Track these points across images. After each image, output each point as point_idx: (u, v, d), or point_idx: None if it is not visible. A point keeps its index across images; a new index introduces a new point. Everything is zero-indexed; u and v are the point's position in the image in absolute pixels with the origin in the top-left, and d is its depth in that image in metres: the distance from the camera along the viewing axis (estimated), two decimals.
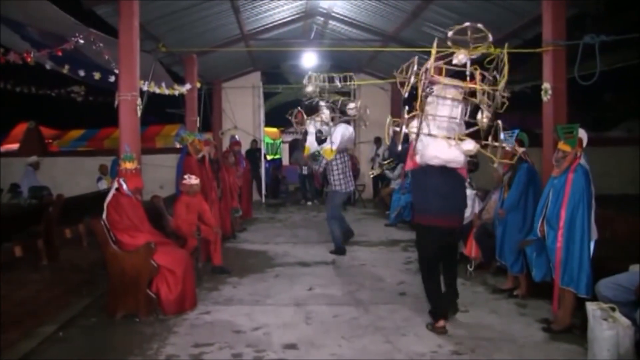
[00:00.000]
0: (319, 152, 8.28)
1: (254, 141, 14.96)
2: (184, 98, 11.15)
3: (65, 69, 7.52)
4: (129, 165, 5.55)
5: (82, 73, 7.63)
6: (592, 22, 8.23)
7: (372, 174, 13.73)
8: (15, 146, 17.27)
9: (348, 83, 8.15)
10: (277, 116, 17.76)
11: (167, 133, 18.58)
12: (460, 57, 4.44)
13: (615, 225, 5.85)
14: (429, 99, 4.55)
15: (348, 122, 8.51)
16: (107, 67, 7.40)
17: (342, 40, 12.70)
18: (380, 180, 13.77)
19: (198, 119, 11.44)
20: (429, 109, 4.56)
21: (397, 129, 4.63)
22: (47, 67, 7.31)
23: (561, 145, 4.75)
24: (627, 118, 17.82)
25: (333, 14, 11.32)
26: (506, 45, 4.51)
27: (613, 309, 3.79)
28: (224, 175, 9.21)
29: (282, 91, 16.68)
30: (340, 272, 7.12)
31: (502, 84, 4.35)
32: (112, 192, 5.48)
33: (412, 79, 4.44)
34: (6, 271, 6.54)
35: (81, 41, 6.68)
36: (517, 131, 5.67)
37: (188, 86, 10.60)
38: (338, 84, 8.08)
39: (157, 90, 8.91)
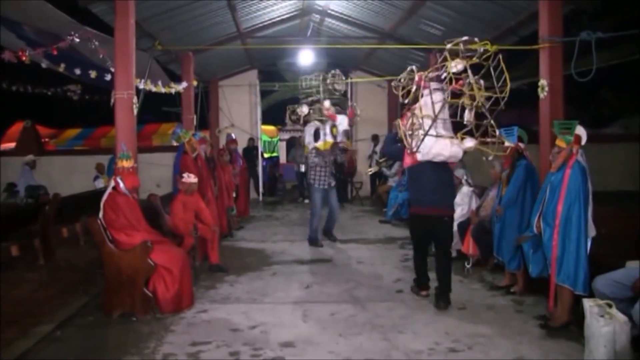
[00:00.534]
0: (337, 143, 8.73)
1: (251, 139, 14.94)
2: (180, 96, 11.13)
3: (61, 68, 7.50)
4: (125, 164, 5.54)
5: (78, 72, 7.61)
6: (589, 19, 8.24)
7: (370, 171, 13.74)
8: (11, 145, 17.21)
9: (340, 83, 8.63)
10: (274, 114, 17.76)
11: (163, 131, 18.58)
12: (459, 66, 4.82)
13: (612, 222, 5.84)
14: (435, 104, 4.99)
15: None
16: (103, 66, 7.38)
17: (338, 38, 12.68)
18: (378, 177, 13.78)
19: (195, 117, 11.43)
20: (438, 113, 4.99)
21: (395, 131, 5.44)
22: (43, 65, 7.28)
23: (557, 141, 4.80)
24: (624, 115, 17.83)
25: (329, 12, 11.30)
26: (500, 56, 4.74)
27: (610, 306, 3.79)
28: (220, 173, 9.21)
29: (279, 89, 16.66)
30: (337, 270, 7.12)
31: (506, 88, 4.73)
32: (109, 190, 5.46)
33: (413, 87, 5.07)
34: (3, 271, 6.53)
35: (77, 40, 6.66)
36: (516, 128, 5.68)
37: (184, 84, 10.58)
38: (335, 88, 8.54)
39: (154, 89, 8.88)
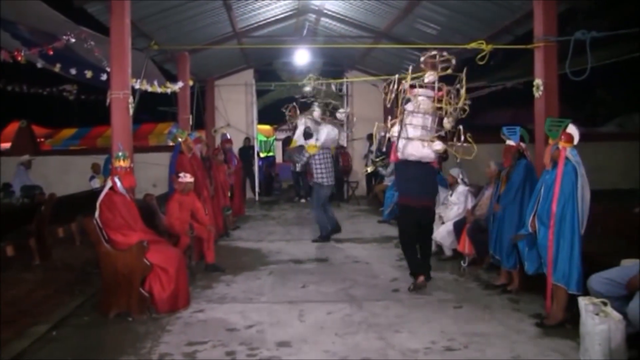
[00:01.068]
0: (303, 146, 8.99)
1: (247, 139, 14.93)
2: (176, 96, 11.12)
3: (57, 68, 7.46)
4: (122, 164, 5.53)
5: (73, 71, 7.58)
6: (584, 18, 8.26)
7: (366, 170, 13.73)
8: (7, 145, 17.16)
9: (343, 90, 8.94)
10: (270, 114, 17.73)
11: (159, 131, 18.55)
12: (430, 77, 5.71)
13: (607, 220, 5.87)
14: (406, 111, 5.79)
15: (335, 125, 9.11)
16: (99, 66, 7.36)
17: (334, 38, 12.69)
18: (374, 177, 13.77)
19: (191, 117, 11.42)
20: (407, 119, 5.79)
21: (383, 133, 6.18)
22: (39, 65, 7.25)
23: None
24: (620, 113, 17.91)
25: (325, 11, 11.30)
26: (465, 69, 5.57)
27: (605, 304, 3.81)
28: (215, 173, 9.20)
29: (275, 88, 16.64)
30: (333, 269, 7.12)
31: (462, 101, 5.56)
32: (105, 190, 5.46)
33: (393, 95, 5.78)
34: None
35: (72, 39, 6.64)
36: (519, 128, 5.71)
37: (180, 84, 10.57)
38: (333, 87, 8.66)
39: (149, 89, 8.89)
